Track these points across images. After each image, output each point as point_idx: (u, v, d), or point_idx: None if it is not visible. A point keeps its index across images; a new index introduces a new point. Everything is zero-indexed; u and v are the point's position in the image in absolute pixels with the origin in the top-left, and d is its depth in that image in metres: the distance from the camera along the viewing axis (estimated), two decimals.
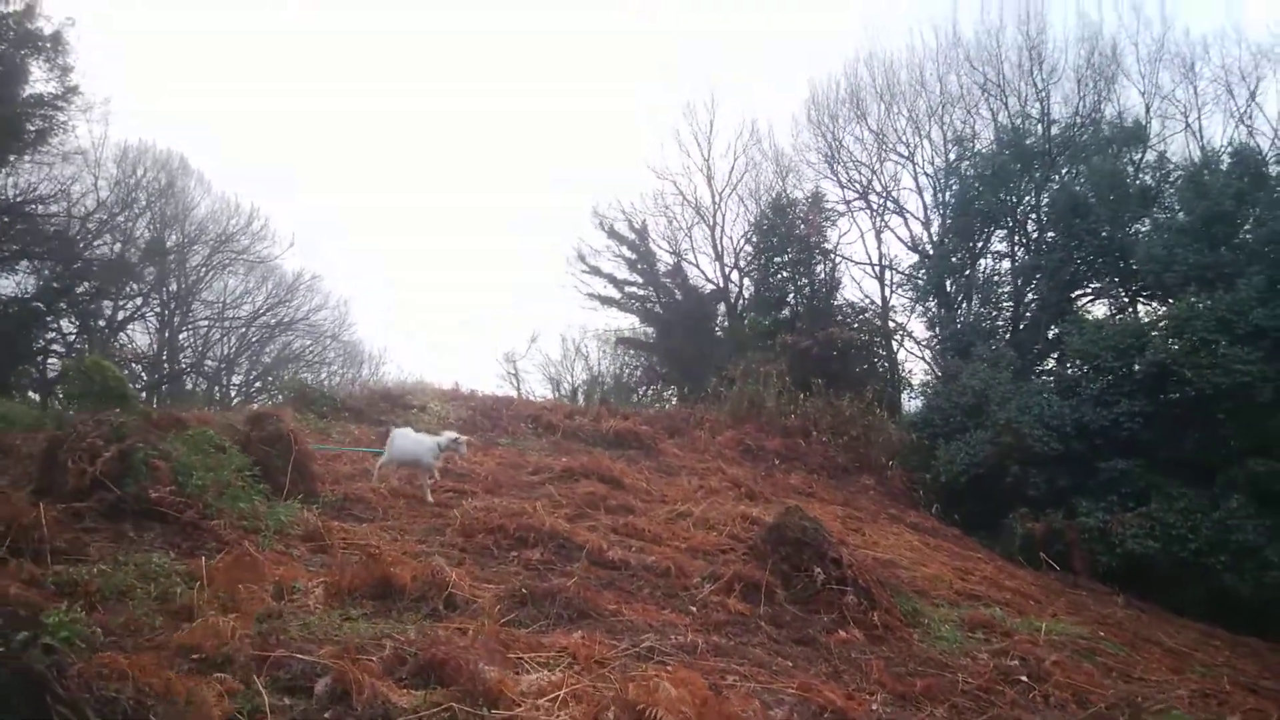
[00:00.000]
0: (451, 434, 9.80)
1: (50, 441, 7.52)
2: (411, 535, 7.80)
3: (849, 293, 29.67)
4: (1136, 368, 16.08)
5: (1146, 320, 17.27)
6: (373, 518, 8.23)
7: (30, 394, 26.15)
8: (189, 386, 35.92)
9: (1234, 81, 22.00)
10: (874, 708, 5.35)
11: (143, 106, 50.28)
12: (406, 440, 9.72)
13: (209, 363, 37.30)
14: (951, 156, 25.85)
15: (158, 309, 34.20)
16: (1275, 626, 14.19)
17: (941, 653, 6.93)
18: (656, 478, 13.51)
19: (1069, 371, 18.49)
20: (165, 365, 34.14)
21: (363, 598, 5.51)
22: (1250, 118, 21.79)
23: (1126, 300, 20.88)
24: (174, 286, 34.37)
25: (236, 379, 39.64)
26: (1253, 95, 21.83)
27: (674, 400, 34.66)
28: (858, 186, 28.73)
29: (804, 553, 7.46)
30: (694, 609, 6.77)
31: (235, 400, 37.39)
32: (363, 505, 8.63)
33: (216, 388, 38.39)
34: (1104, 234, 19.84)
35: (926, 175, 26.86)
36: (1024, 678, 6.57)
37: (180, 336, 35.86)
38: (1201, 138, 22.57)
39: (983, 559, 13.02)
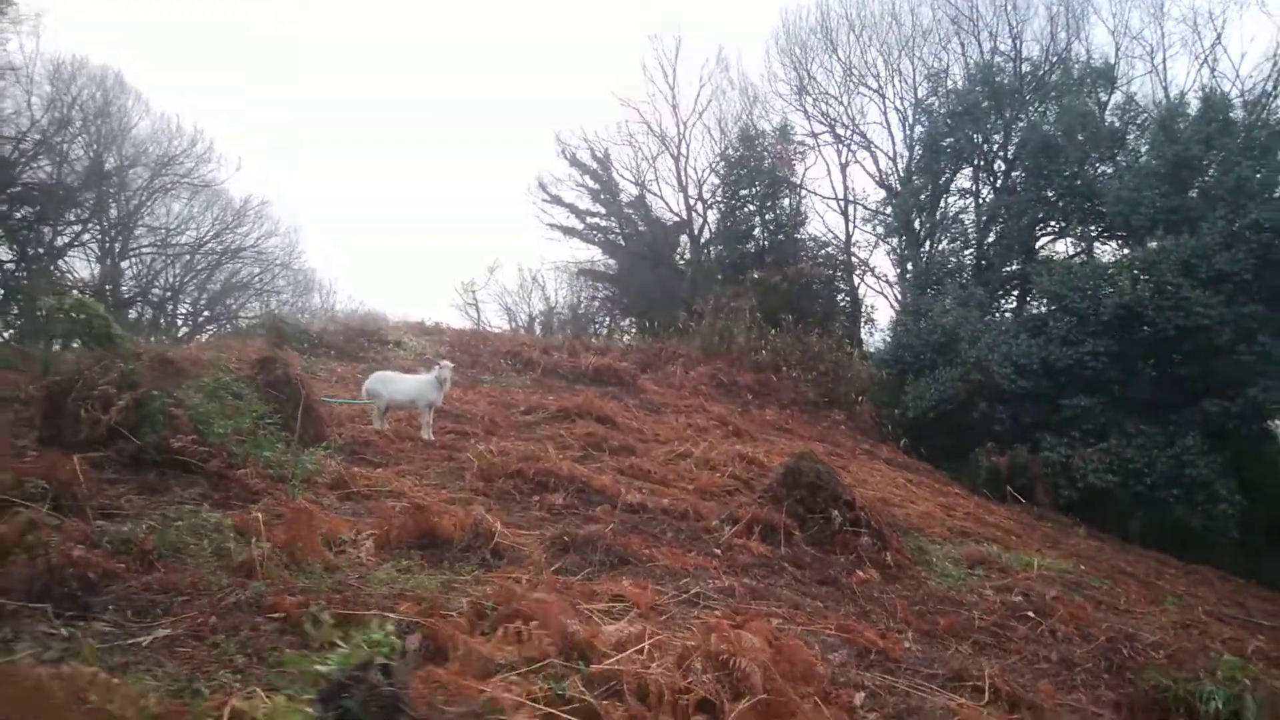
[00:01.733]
0: (441, 366, 9.64)
1: (52, 387, 7.24)
2: (428, 479, 7.78)
3: (813, 227, 29.88)
4: (1103, 309, 16.57)
5: (1113, 262, 17.70)
6: (385, 462, 8.16)
7: None
8: (134, 316, 34.75)
9: (1201, 23, 22.32)
10: (907, 645, 5.60)
11: (74, 17, 46.91)
12: (399, 382, 9.62)
13: (155, 291, 36.00)
14: (922, 92, 25.90)
15: (98, 235, 32.75)
16: (1221, 556, 15.17)
17: (951, 590, 7.24)
18: (644, 416, 13.62)
19: (1037, 310, 18.94)
20: (109, 294, 32.86)
21: (410, 548, 5.52)
22: (1214, 60, 22.21)
23: (1093, 240, 21.40)
24: (114, 212, 32.86)
25: (183, 308, 38.47)
26: (1219, 37, 22.21)
27: (633, 333, 34.82)
28: (826, 120, 28.65)
29: (818, 495, 7.65)
30: (718, 551, 6.93)
31: (182, 330, 36.40)
32: (371, 449, 8.54)
33: (162, 317, 37.21)
34: (1072, 174, 20.17)
35: (896, 110, 26.92)
36: (1030, 613, 6.92)
37: (123, 264, 34.48)
38: (1166, 80, 22.98)
39: (960, 495, 13.52)
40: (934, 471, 16.13)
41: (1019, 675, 5.42)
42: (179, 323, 37.26)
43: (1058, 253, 23.11)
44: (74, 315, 9.76)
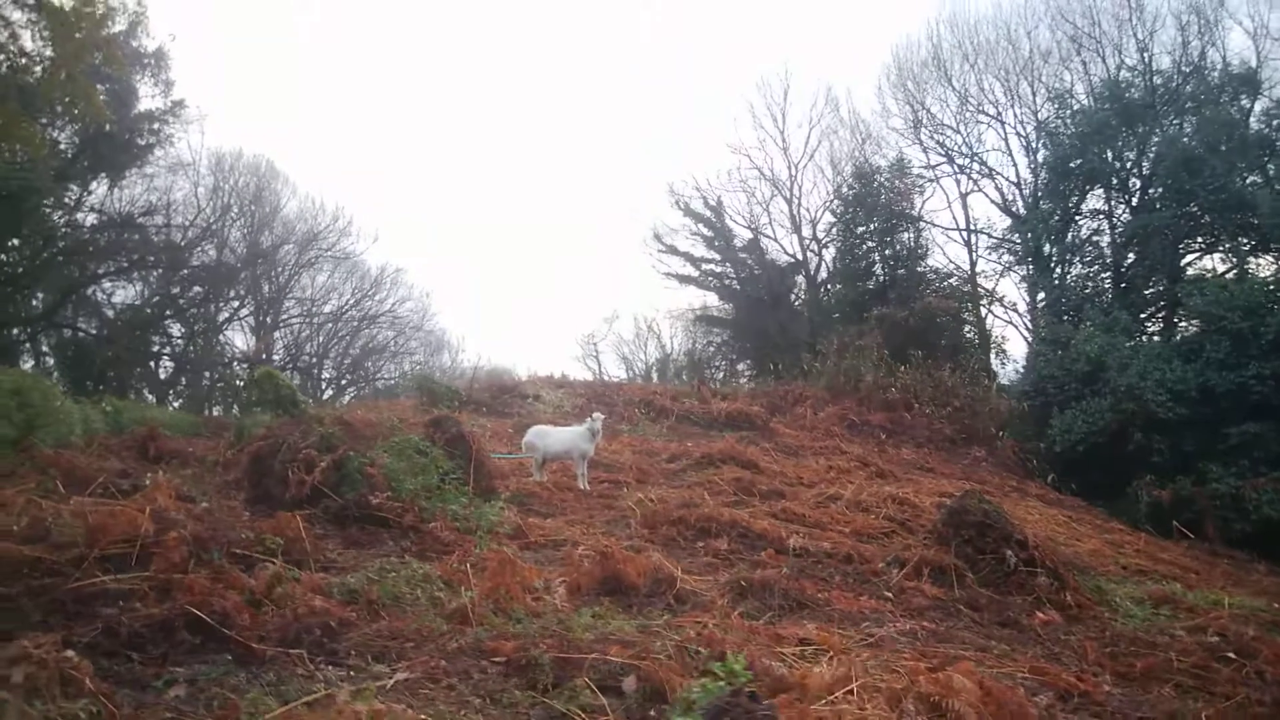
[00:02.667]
0: (593, 417, 10.09)
1: (257, 451, 7.97)
2: (594, 527, 8.09)
3: (935, 259, 29.32)
4: (1265, 328, 15.55)
5: (1272, 278, 16.63)
6: (551, 512, 8.54)
7: (147, 394, 27.51)
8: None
9: None
10: (1107, 689, 5.43)
11: (229, 112, 51.70)
12: (554, 435, 10.09)
13: (303, 358, 38.57)
14: (1043, 115, 25.22)
15: (253, 309, 35.53)
16: None
17: (1139, 631, 6.93)
18: (784, 459, 13.64)
19: (1189, 333, 17.89)
20: (264, 362, 35.56)
21: (599, 594, 5.79)
22: None
23: (1244, 254, 20.13)
24: (267, 288, 35.61)
25: (326, 372, 41.01)
26: None
27: (751, 375, 34.83)
28: (943, 150, 28.24)
29: (987, 535, 7.52)
30: (889, 595, 6.91)
31: (327, 393, 38.77)
32: (538, 500, 8.95)
33: (309, 381, 39.76)
34: (1218, 187, 19.12)
35: (1018, 135, 26.29)
36: (1231, 654, 6.55)
37: (274, 334, 37.19)
38: None
39: (1124, 531, 12.86)
40: (1089, 508, 15.35)
41: None
42: (323, 386, 39.77)
43: (1206, 270, 21.82)
44: (263, 386, 10.71)
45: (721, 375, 38.14)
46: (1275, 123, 19.83)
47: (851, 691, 4.09)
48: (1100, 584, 8.08)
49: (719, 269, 37.84)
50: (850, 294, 28.28)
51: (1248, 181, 19.45)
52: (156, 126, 22.84)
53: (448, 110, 69.34)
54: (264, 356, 35.34)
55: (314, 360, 39.00)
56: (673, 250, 37.36)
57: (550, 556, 6.98)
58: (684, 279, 38.06)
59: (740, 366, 39.15)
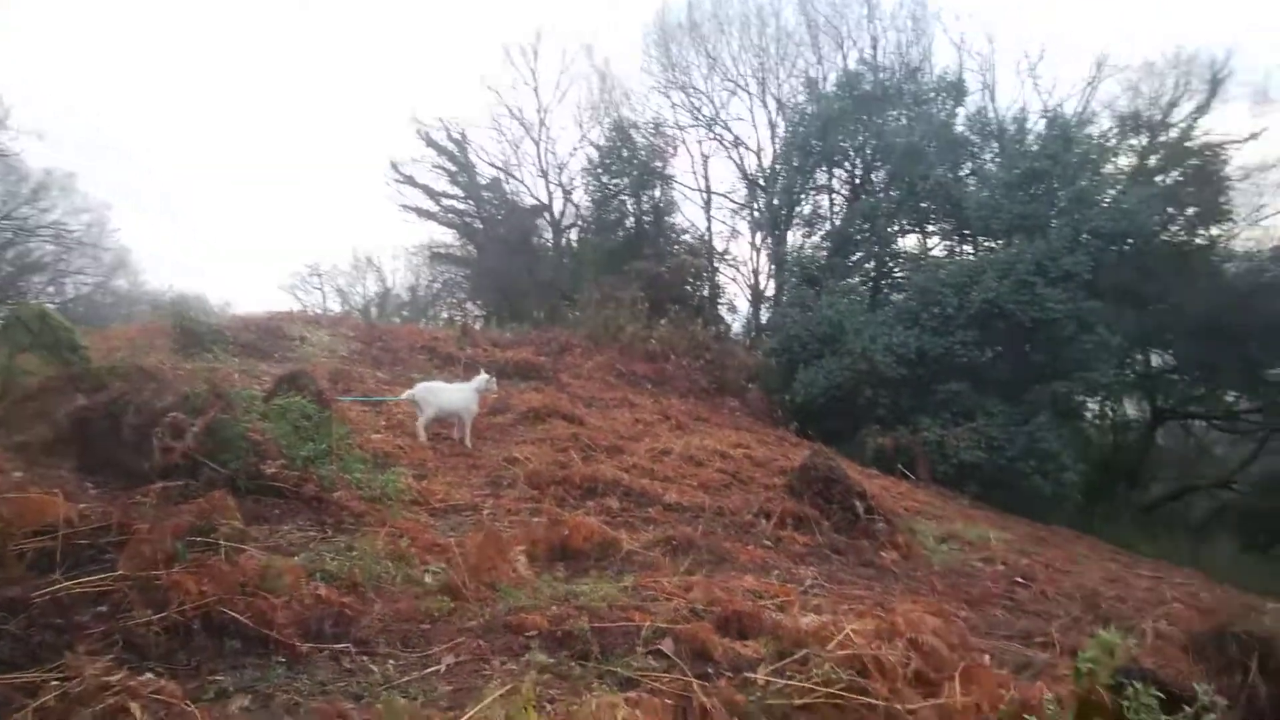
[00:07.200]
0: (484, 376, 9.87)
1: (83, 414, 6.83)
2: (479, 489, 8.00)
3: (677, 218, 31.10)
4: (968, 303, 18.71)
5: (976, 261, 19.98)
6: (424, 475, 8.24)
7: None
8: None
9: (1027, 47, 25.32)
10: (963, 614, 6.62)
11: None
12: (446, 392, 9.70)
13: None
14: (786, 91, 27.70)
15: None
16: (1065, 517, 17.83)
17: (952, 565, 8.41)
18: (588, 411, 14.07)
19: (898, 301, 20.86)
20: None
21: (552, 560, 5.88)
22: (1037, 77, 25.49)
23: (952, 239, 23.87)
24: None
25: None
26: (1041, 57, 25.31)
27: (482, 316, 34.78)
28: (696, 114, 29.88)
29: (833, 489, 8.59)
30: (768, 543, 7.69)
31: None
32: (399, 461, 8.56)
33: None
34: (934, 180, 22.40)
35: (764, 108, 28.57)
36: (1020, 579, 8.21)
37: None
38: (995, 97, 25.99)
39: (878, 476, 15.01)
40: (835, 454, 17.63)
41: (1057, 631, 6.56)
42: None
43: (909, 250, 25.57)
44: (30, 325, 9.02)
45: (446, 314, 37.63)
46: (975, 129, 23.58)
47: (841, 634, 4.67)
48: (911, 525, 9.56)
49: (461, 205, 37.07)
50: (605, 243, 29.13)
51: (958, 176, 22.98)
52: None
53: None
54: None
55: None
56: (410, 181, 35.84)
57: (457, 523, 6.86)
58: (423, 213, 36.79)
59: (470, 306, 38.85)
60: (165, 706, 2.97)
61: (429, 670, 4.00)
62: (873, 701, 4.04)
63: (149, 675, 3.09)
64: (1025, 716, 3.61)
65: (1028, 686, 4.48)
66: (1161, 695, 2.70)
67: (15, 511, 4.20)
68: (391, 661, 4.05)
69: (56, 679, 2.98)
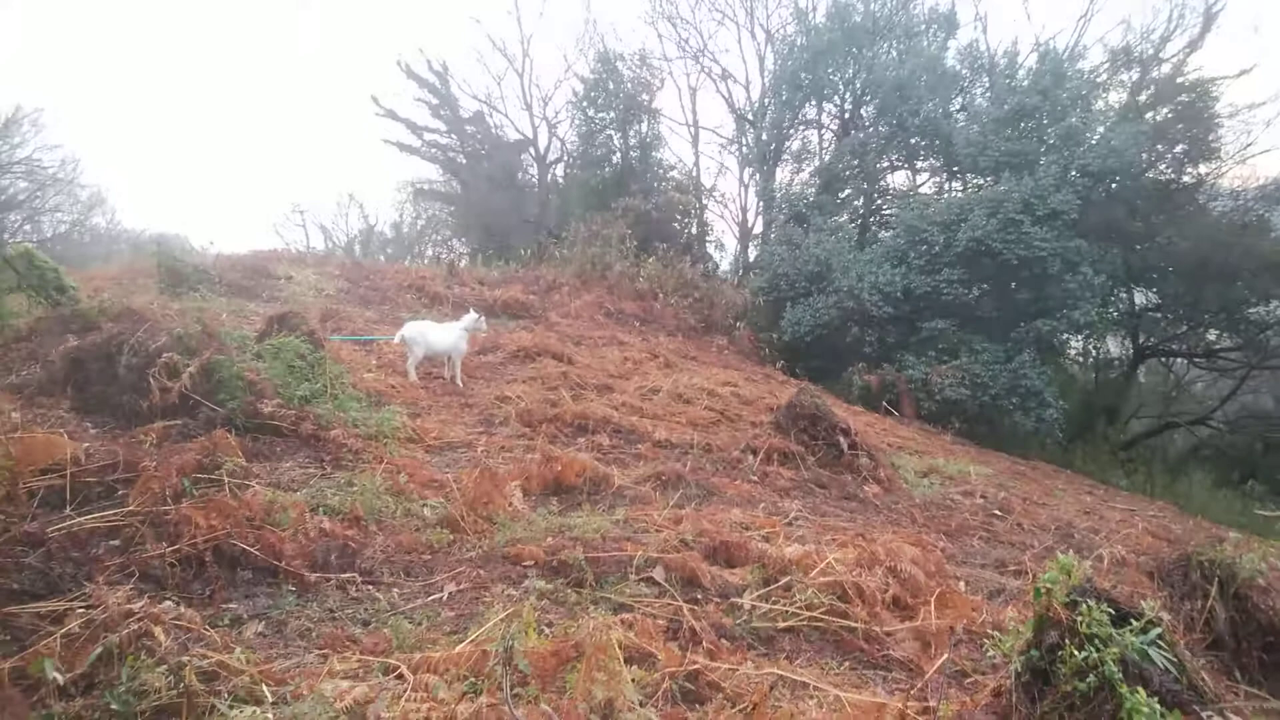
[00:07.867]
0: (472, 315, 9.96)
1: (76, 353, 6.92)
2: (472, 427, 8.16)
3: (664, 154, 30.78)
4: (956, 241, 18.78)
5: (964, 199, 19.96)
6: (417, 413, 8.40)
7: None
8: None
9: None
10: (942, 545, 6.89)
11: None
12: (435, 331, 9.77)
13: None
14: (774, 23, 27.20)
15: None
16: (1046, 453, 18.24)
17: (932, 498, 8.68)
18: (577, 350, 14.21)
19: (898, 242, 20.90)
20: None
21: (546, 495, 6.08)
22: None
23: (941, 176, 23.80)
24: None
25: None
26: None
27: (468, 253, 34.59)
28: (684, 45, 29.39)
29: (819, 425, 8.80)
30: (754, 478, 7.92)
31: None
32: (392, 399, 8.70)
33: None
34: (923, 114, 22.22)
35: (752, 39, 28.12)
36: (997, 511, 8.50)
37: None
38: (987, 29, 25.56)
39: (863, 412, 15.28)
40: (823, 391, 17.91)
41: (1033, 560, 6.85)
42: None
43: (897, 187, 25.46)
44: (17, 266, 9.01)
45: (431, 252, 37.30)
46: (966, 63, 23.28)
47: (823, 561, 4.91)
48: (894, 460, 9.82)
49: (444, 139, 36.50)
50: (592, 179, 28.86)
51: (947, 111, 22.78)
52: None
53: None
54: None
55: None
56: (392, 115, 35.17)
57: (452, 460, 7.03)
58: (405, 148, 36.19)
59: (455, 244, 38.57)
60: (185, 631, 3.14)
61: (432, 598, 4.20)
62: (852, 624, 4.29)
63: (168, 603, 3.25)
64: (990, 631, 3.84)
65: (999, 610, 4.74)
66: (1113, 612, 2.92)
67: (23, 451, 4.31)
68: (396, 590, 4.25)
69: (81, 607, 3.14)
